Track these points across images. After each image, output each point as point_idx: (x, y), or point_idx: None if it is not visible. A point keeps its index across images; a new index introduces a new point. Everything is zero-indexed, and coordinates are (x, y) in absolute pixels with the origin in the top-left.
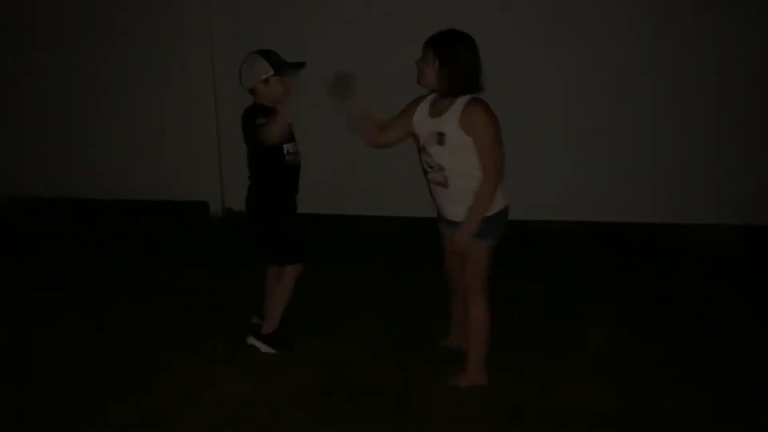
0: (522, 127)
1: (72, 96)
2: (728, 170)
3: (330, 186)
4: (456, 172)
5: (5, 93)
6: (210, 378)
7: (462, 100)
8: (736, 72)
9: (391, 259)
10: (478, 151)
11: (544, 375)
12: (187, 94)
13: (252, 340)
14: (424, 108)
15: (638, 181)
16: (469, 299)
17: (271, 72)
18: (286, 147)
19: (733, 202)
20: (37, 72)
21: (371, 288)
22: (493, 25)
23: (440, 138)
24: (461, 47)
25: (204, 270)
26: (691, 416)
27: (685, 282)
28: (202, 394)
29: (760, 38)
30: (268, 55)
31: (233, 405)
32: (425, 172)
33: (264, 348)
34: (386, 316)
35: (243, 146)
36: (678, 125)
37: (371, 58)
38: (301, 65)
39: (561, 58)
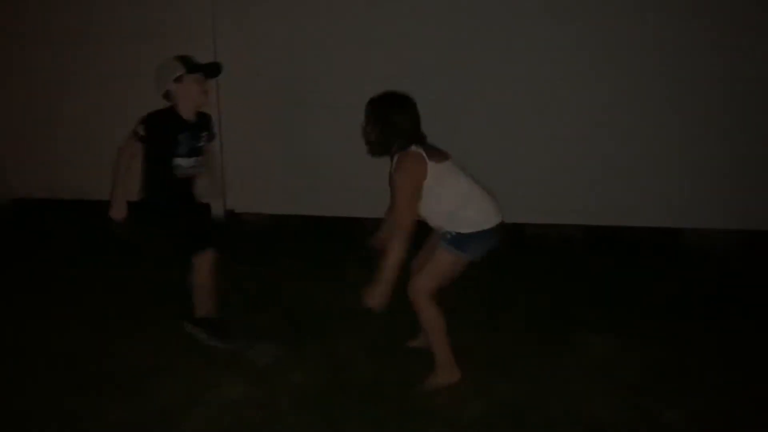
0: (521, 130)
1: (73, 96)
2: (729, 174)
3: (331, 187)
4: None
5: (5, 93)
6: (210, 379)
7: (397, 156)
8: (738, 77)
9: None
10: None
11: (543, 380)
12: None
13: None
14: None
15: (638, 184)
16: (413, 299)
17: (183, 70)
18: (178, 161)
19: (735, 207)
20: (38, 72)
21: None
22: (496, 25)
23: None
24: (387, 110)
25: None
26: (692, 423)
27: (686, 287)
28: (202, 395)
29: (764, 43)
30: (179, 57)
31: (233, 406)
32: None
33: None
34: (386, 317)
35: (245, 147)
36: (679, 129)
37: (375, 58)
38: (215, 66)
39: (562, 62)
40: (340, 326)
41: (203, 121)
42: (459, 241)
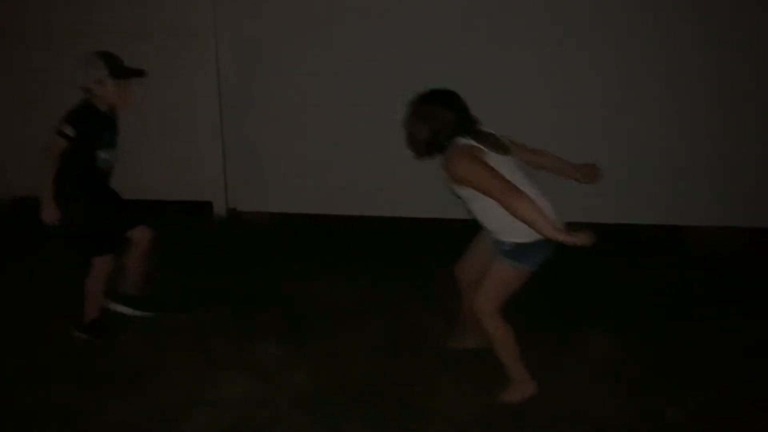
0: (521, 130)
1: (73, 96)
2: (732, 172)
3: (332, 186)
4: (473, 206)
5: (5, 93)
6: (210, 379)
7: (443, 157)
8: (739, 75)
9: (392, 260)
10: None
11: (544, 380)
12: (191, 94)
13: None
14: None
15: (639, 183)
16: (478, 315)
17: (105, 73)
18: (100, 153)
19: (737, 204)
20: (38, 72)
21: (372, 288)
22: (496, 25)
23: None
24: (432, 105)
25: (206, 270)
26: (692, 422)
27: (687, 286)
28: (203, 395)
29: (765, 43)
30: (105, 57)
31: (233, 406)
32: None
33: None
34: (387, 316)
35: (246, 147)
36: (680, 126)
37: (375, 58)
38: (139, 72)
39: (562, 61)
40: (340, 326)
41: (115, 113)
42: (518, 252)
